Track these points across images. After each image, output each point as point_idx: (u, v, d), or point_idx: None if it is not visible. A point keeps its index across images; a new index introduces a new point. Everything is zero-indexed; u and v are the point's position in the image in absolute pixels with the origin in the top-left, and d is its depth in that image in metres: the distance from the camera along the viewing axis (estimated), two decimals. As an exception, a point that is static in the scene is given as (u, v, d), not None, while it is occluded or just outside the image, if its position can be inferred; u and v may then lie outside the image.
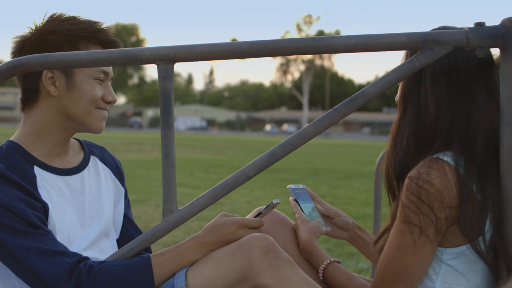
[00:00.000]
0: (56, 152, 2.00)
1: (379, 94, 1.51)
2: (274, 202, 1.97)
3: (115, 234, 2.16)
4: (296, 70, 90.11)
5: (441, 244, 1.67)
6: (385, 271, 1.71)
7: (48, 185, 1.94)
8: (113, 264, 1.78)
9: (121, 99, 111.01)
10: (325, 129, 1.53)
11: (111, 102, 2.02)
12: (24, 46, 1.94)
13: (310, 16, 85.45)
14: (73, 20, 1.96)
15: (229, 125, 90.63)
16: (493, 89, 1.70)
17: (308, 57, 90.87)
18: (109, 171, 2.19)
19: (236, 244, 1.80)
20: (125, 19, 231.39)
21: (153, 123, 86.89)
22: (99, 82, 1.96)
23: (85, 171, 2.07)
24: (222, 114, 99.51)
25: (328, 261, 1.95)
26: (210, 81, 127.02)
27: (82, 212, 2.00)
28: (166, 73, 1.57)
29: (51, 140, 1.97)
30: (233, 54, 1.52)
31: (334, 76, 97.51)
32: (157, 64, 1.57)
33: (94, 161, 2.15)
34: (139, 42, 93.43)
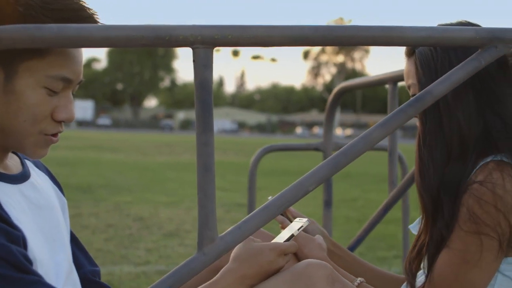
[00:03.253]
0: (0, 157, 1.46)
1: (446, 93, 1.36)
2: (308, 222, 1.79)
3: None
4: (327, 73, 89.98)
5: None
6: (449, 285, 1.57)
7: (9, 199, 1.38)
8: None
9: (152, 102, 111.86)
10: (392, 131, 1.35)
11: (65, 121, 1.41)
12: None
13: (341, 19, 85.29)
14: None
15: (260, 128, 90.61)
16: None
17: (339, 60, 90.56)
18: (47, 178, 1.64)
19: (291, 275, 1.53)
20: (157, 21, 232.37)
21: (184, 125, 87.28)
22: (50, 93, 1.36)
23: (32, 178, 1.52)
24: (253, 117, 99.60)
25: (359, 282, 1.77)
26: (241, 84, 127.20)
27: (44, 233, 1.45)
28: (207, 60, 1.22)
29: None
30: (292, 40, 1.25)
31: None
32: (194, 48, 1.21)
33: (31, 166, 1.58)
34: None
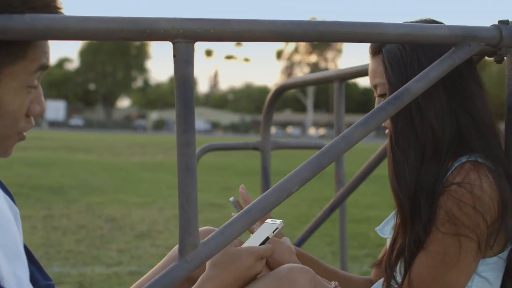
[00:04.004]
0: None
1: (423, 90, 1.36)
2: (283, 223, 1.70)
3: None
4: (301, 73, 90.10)
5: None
6: (427, 287, 1.55)
7: None
8: None
9: (125, 102, 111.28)
10: (372, 130, 1.32)
11: (39, 114, 1.30)
12: None
13: (314, 18, 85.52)
14: None
15: (234, 128, 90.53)
16: (482, 85, 1.63)
17: (312, 60, 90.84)
18: None
19: (273, 280, 1.49)
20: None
21: (157, 125, 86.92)
22: (30, 90, 1.24)
23: None
24: (227, 117, 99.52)
25: (333, 285, 1.70)
26: (215, 84, 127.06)
27: (3, 247, 1.28)
28: (188, 55, 1.14)
29: None
30: (276, 36, 1.21)
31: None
32: (174, 43, 1.14)
33: None
34: (143, 45, 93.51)
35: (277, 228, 1.66)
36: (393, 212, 1.84)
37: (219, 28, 1.16)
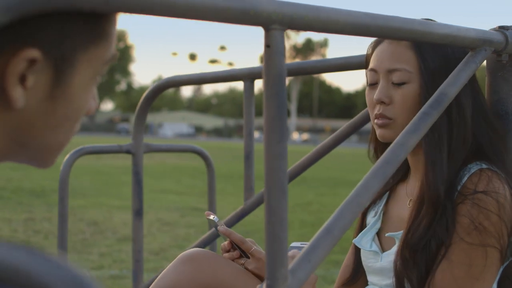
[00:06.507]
0: None
1: (456, 93, 1.33)
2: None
3: None
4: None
5: None
6: None
7: None
8: None
9: (108, 105, 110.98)
10: (423, 134, 1.27)
11: (94, 111, 1.02)
12: None
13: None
14: None
15: (217, 132, 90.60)
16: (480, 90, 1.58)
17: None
18: None
19: None
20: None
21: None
22: (96, 82, 0.97)
23: None
24: (210, 121, 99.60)
25: None
26: (198, 88, 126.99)
27: None
28: (282, 46, 0.97)
29: None
30: (353, 29, 1.09)
31: (322, 84, 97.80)
32: (269, 30, 0.96)
33: None
34: (127, 48, 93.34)
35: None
36: (370, 224, 1.75)
37: (311, 15, 1.01)
